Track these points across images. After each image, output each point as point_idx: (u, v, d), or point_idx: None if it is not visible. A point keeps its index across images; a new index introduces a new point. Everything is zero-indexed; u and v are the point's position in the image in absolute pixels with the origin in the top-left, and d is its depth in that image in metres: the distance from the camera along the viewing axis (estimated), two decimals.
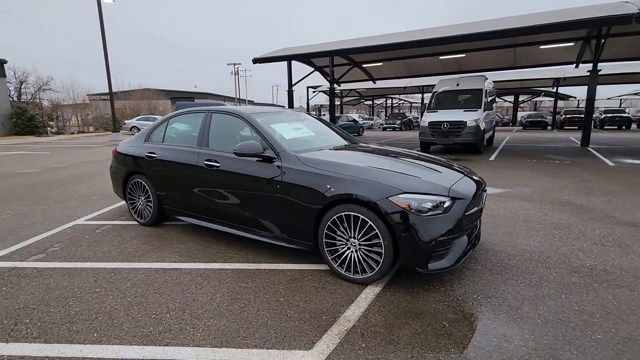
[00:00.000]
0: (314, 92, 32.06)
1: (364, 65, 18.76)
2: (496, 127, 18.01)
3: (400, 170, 3.01)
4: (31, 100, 31.50)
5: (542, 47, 14.33)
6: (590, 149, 12.45)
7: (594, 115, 23.88)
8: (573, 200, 5.49)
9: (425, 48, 13.85)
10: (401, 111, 51.46)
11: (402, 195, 2.65)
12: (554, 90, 30.68)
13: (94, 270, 3.21)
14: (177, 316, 2.47)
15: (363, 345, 2.14)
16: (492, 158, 10.76)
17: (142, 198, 4.43)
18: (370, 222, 2.72)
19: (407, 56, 16.70)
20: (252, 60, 15.44)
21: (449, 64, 18.31)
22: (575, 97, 42.54)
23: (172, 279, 3.04)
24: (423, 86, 30.07)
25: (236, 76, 59.15)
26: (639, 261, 3.26)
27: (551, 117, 30.54)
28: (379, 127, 33.83)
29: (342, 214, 2.84)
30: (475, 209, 2.98)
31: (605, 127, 27.19)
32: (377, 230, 2.70)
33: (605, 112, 28.02)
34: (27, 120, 25.97)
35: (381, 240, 2.70)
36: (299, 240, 3.18)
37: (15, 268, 3.28)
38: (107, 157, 11.17)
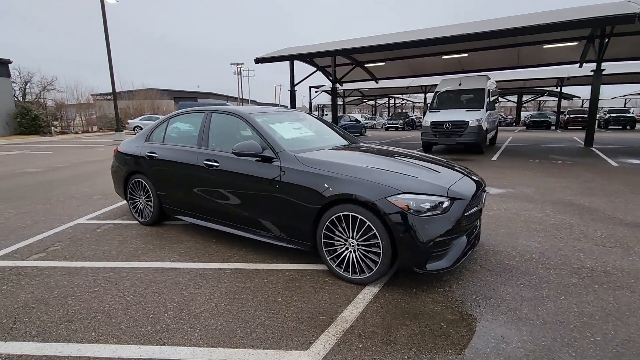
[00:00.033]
0: (316, 91, 32.07)
1: (366, 65, 18.74)
2: (499, 127, 17.94)
3: (399, 170, 3.00)
4: (35, 100, 31.70)
5: (545, 46, 14.26)
6: (593, 149, 12.36)
7: (598, 115, 23.74)
8: (575, 200, 5.46)
9: (428, 48, 13.83)
10: (404, 111, 51.39)
11: (400, 196, 2.64)
12: (558, 90, 30.53)
13: (93, 270, 3.22)
14: (175, 315, 2.47)
15: (360, 346, 2.14)
16: (494, 158, 10.71)
17: (143, 198, 4.45)
18: (368, 222, 2.71)
19: (410, 56, 16.67)
20: (255, 60, 15.47)
21: (451, 63, 18.26)
22: (579, 97, 42.30)
23: (171, 278, 3.04)
24: (426, 86, 29.99)
25: (239, 76, 59.28)
26: None
27: (555, 117, 30.37)
28: (382, 127, 33.78)
29: (341, 214, 2.83)
30: (475, 209, 2.96)
31: (609, 127, 27.02)
32: (375, 231, 2.70)
33: (610, 112, 27.83)
34: (31, 120, 26.14)
35: (379, 241, 2.69)
36: (297, 240, 3.17)
37: (16, 267, 3.30)
38: (109, 156, 11.20)
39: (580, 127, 25.07)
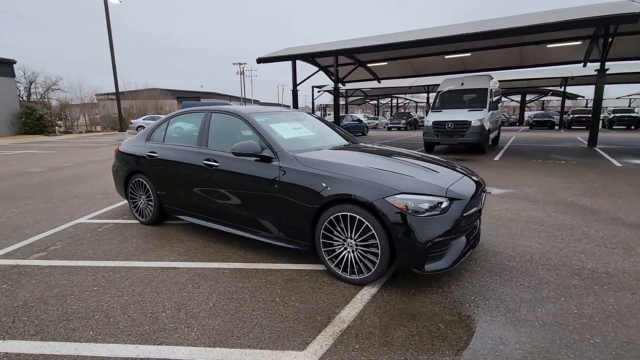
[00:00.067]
0: (319, 91, 32.05)
1: (368, 65, 18.70)
2: (502, 127, 17.85)
3: (398, 170, 2.99)
4: (40, 100, 31.92)
5: (548, 45, 14.16)
6: (597, 149, 12.28)
7: (602, 115, 23.56)
8: (577, 201, 5.42)
9: (431, 47, 13.78)
10: (406, 111, 51.28)
11: (398, 196, 2.63)
12: (562, 89, 30.32)
13: (93, 269, 3.24)
14: (173, 315, 2.48)
15: (357, 347, 2.13)
16: (496, 158, 10.66)
17: (143, 197, 4.46)
18: (366, 223, 2.70)
19: (412, 55, 16.62)
20: (257, 60, 15.47)
21: (454, 63, 18.18)
22: (583, 97, 41.98)
23: (170, 278, 3.05)
24: (428, 85, 29.89)
25: (242, 76, 59.38)
26: None
27: (558, 117, 30.18)
28: (384, 127, 33.72)
29: (339, 214, 2.82)
30: (474, 209, 2.95)
31: (613, 127, 26.81)
32: (373, 231, 2.69)
33: (614, 111, 27.62)
34: (35, 119, 26.32)
35: (378, 241, 2.68)
36: (296, 240, 3.17)
37: (16, 266, 3.32)
38: (112, 156, 11.24)
39: (584, 127, 24.86)
